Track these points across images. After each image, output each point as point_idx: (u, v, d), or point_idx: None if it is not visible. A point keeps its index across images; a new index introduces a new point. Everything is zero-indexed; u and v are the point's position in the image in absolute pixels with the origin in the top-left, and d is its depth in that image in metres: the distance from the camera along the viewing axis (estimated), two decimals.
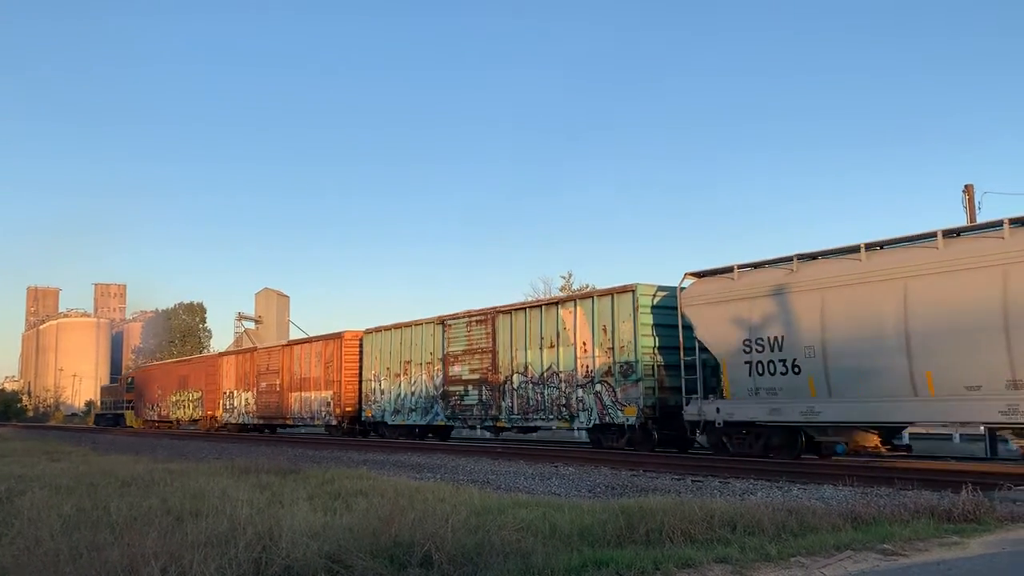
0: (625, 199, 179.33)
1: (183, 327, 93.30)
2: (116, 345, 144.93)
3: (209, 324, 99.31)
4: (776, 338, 15.48)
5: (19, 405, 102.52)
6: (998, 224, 13.03)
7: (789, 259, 15.85)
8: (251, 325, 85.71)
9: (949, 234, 13.65)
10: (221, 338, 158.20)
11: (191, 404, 43.69)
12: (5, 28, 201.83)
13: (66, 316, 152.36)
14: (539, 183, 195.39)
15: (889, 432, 15.61)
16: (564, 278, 48.58)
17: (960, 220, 27.02)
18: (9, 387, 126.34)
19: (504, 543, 6.07)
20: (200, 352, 77.70)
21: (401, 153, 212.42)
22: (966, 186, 27.78)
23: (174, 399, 45.94)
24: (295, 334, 75.22)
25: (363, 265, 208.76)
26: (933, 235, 13.77)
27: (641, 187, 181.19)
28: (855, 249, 14.86)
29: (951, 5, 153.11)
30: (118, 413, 57.76)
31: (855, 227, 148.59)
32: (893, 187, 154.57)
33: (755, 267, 16.60)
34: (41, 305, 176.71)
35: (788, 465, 13.99)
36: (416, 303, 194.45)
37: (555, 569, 5.60)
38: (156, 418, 48.59)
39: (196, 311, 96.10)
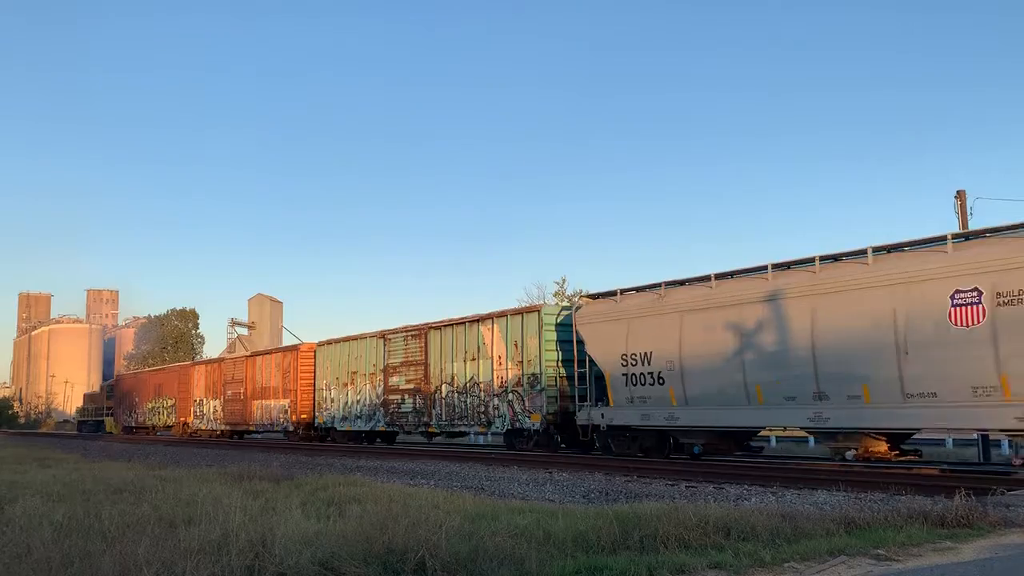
0: (624, 206, 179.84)
1: (175, 333, 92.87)
2: (108, 351, 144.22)
3: (203, 330, 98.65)
4: (646, 353, 17.67)
5: (10, 412, 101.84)
6: (811, 260, 15.20)
7: (659, 285, 18.03)
8: (244, 331, 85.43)
9: (778, 267, 15.77)
10: (215, 344, 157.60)
11: (165, 411, 45.71)
12: (2, 30, 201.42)
13: (58, 322, 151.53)
14: (537, 189, 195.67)
15: (740, 436, 17.47)
16: (558, 283, 48.53)
17: (953, 225, 27.13)
18: (0, 394, 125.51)
19: (498, 549, 6.05)
20: (192, 359, 77.46)
21: (400, 159, 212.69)
22: (958, 192, 27.70)
23: (150, 406, 47.98)
24: (289, 340, 74.92)
25: (360, 271, 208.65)
26: (764, 268, 15.89)
27: (640, 196, 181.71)
28: (707, 278, 17.00)
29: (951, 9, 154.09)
30: (99, 419, 59.88)
31: (853, 235, 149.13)
32: (893, 195, 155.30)
33: (638, 291, 18.78)
34: (33, 311, 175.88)
35: (782, 470, 14.11)
36: (413, 309, 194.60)
37: (549, 575, 5.59)
38: (134, 424, 50.49)
39: (189, 317, 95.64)
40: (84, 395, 78.48)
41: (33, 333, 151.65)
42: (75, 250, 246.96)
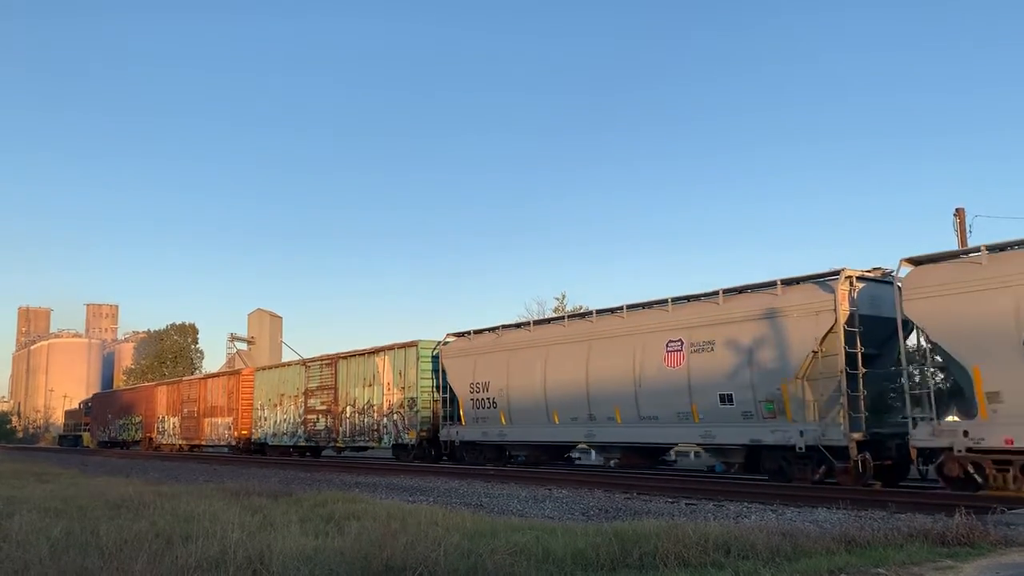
0: (622, 221, 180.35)
1: (175, 348, 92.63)
2: (107, 366, 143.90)
3: (202, 345, 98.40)
4: (486, 383, 22.26)
5: (8, 426, 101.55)
6: (590, 313, 20.16)
7: (497, 328, 22.97)
8: (243, 346, 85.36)
9: (573, 316, 21.35)
10: (214, 359, 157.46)
11: (134, 427, 49.93)
12: (4, 39, 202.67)
13: (57, 336, 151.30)
14: (541, 203, 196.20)
15: (558, 449, 22.59)
16: (558, 299, 48.63)
17: (952, 243, 27.19)
18: None
19: (497, 567, 6.03)
20: (191, 373, 77.42)
21: (401, 168, 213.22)
22: (957, 210, 27.77)
23: (121, 423, 52.35)
24: (288, 355, 75.07)
25: (360, 286, 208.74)
26: (562, 317, 21.46)
27: (639, 209, 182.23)
28: (527, 323, 22.28)
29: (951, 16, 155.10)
30: (77, 435, 64.17)
31: (852, 246, 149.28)
32: (894, 211, 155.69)
33: (491, 330, 23.27)
34: (33, 325, 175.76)
35: (782, 488, 14.11)
36: (413, 324, 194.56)
37: None
38: (107, 439, 54.45)
39: (188, 332, 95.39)
40: (65, 412, 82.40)
41: (32, 347, 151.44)
42: (75, 265, 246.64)
